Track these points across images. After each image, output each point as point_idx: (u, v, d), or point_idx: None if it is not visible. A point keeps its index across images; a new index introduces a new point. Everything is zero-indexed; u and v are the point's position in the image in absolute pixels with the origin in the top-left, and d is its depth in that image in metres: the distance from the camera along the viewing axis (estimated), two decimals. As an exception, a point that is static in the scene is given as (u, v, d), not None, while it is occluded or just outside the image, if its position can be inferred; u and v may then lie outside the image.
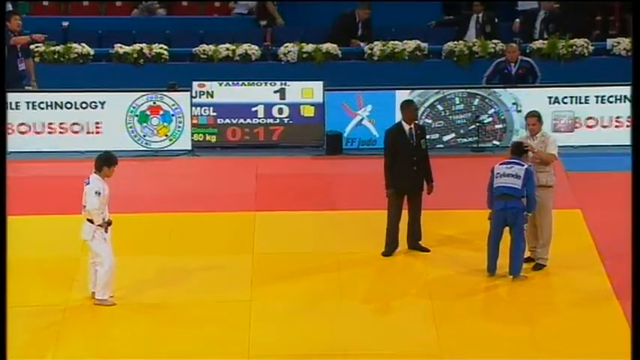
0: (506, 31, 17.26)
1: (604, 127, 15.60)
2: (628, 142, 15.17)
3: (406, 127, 11.88)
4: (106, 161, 10.97)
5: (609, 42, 16.85)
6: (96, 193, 10.76)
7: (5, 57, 14.67)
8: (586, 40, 16.81)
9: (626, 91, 15.48)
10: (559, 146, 15.18)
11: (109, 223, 10.81)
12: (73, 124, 15.50)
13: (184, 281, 11.48)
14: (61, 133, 15.52)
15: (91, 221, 10.80)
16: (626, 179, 13.88)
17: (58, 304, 10.96)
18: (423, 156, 11.86)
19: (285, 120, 15.59)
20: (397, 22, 17.39)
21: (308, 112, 15.60)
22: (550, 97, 15.60)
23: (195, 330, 10.48)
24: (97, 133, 15.53)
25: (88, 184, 10.88)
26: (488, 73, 15.78)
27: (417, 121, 12.19)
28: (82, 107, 15.54)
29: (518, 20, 17.39)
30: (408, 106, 11.99)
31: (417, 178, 11.77)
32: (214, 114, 15.64)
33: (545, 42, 16.80)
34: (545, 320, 10.61)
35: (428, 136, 15.47)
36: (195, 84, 15.61)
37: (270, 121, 15.62)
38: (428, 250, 11.86)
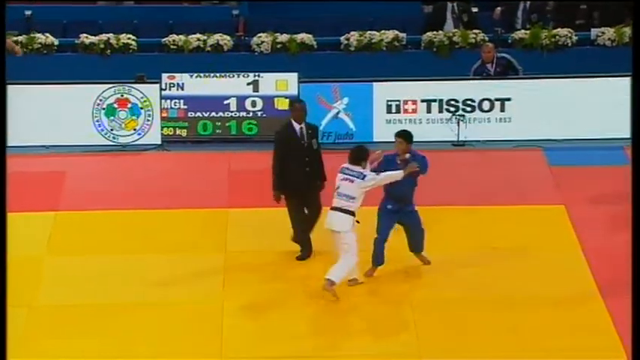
0: (488, 20, 17.33)
1: (588, 120, 15.69)
2: (612, 135, 15.43)
3: (297, 126, 11.99)
4: (365, 153, 11.39)
5: (593, 32, 16.94)
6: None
7: None
8: (569, 29, 16.90)
9: (610, 82, 15.61)
10: (542, 139, 15.47)
11: None
12: (37, 117, 15.43)
13: (155, 280, 11.51)
14: (24, 126, 15.46)
15: (346, 212, 11.09)
16: (612, 174, 14.11)
17: (23, 305, 10.93)
18: (314, 156, 11.96)
19: (259, 113, 15.61)
20: (375, 11, 17.43)
21: (282, 104, 15.61)
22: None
23: (166, 330, 10.52)
24: (63, 126, 15.48)
25: (356, 177, 11.17)
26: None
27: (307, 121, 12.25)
28: (45, 100, 15.49)
29: (499, 8, 17.43)
30: (295, 106, 12.16)
31: (309, 179, 11.95)
32: (185, 107, 15.64)
33: (528, 32, 16.87)
34: (528, 319, 10.71)
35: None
36: (164, 76, 15.61)
37: (243, 114, 15.64)
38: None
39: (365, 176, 11.20)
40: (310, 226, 11.99)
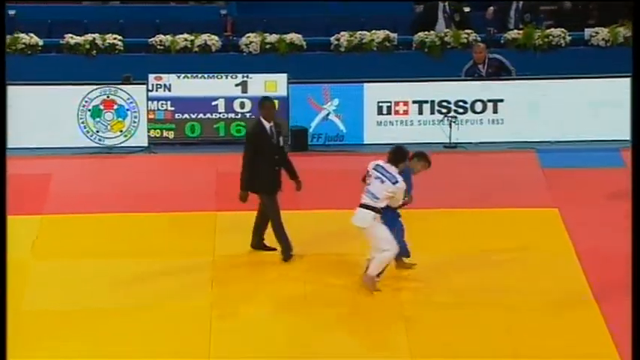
0: (480, 19, 17.40)
1: (582, 121, 15.77)
2: (607, 137, 15.53)
3: (267, 124, 12.08)
4: (406, 155, 11.44)
5: (587, 32, 17.02)
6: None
7: None
8: (563, 30, 16.98)
9: (604, 82, 15.71)
10: (535, 141, 15.56)
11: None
12: (21, 119, 15.45)
13: (142, 285, 11.55)
14: (8, 128, 15.45)
15: (368, 208, 11.18)
16: (606, 176, 14.20)
17: (11, 309, 10.95)
18: (283, 155, 12.13)
19: (248, 115, 15.66)
20: (365, 11, 17.50)
21: (271, 106, 15.66)
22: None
23: (153, 332, 10.56)
24: (48, 128, 15.52)
25: (388, 179, 11.20)
26: None
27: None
28: (30, 101, 15.51)
29: (491, 8, 17.50)
30: (266, 104, 12.21)
31: (279, 178, 12.07)
32: (172, 108, 15.68)
33: (521, 32, 16.95)
34: (521, 321, 10.77)
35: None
36: (151, 77, 15.65)
37: (232, 115, 15.69)
38: (275, 249, 12.09)
39: (397, 182, 11.22)
40: (262, 225, 12.05)
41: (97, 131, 15.67)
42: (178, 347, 10.33)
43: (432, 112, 15.75)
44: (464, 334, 10.56)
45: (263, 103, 12.28)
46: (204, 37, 16.81)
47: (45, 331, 10.68)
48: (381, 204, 11.24)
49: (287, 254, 12.03)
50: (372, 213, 11.23)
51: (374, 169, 11.32)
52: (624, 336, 9.86)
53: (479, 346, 10.33)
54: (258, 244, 12.23)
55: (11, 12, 17.21)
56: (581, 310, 10.96)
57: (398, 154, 11.37)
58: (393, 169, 11.28)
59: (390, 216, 11.47)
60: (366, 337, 10.54)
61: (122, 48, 16.76)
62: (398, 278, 11.63)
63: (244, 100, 15.67)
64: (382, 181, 11.23)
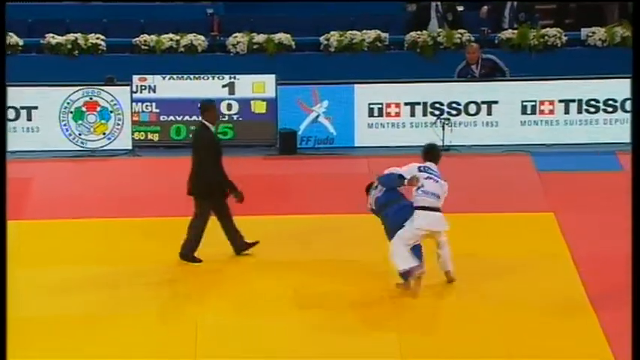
0: (474, 19, 17.40)
1: (578, 124, 15.78)
2: (603, 140, 15.54)
3: (212, 128, 12.12)
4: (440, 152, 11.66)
5: (583, 32, 17.03)
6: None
7: None
8: (559, 29, 16.98)
9: (600, 84, 15.71)
10: (530, 144, 15.57)
11: None
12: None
13: (124, 291, 11.52)
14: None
15: (439, 211, 11.30)
16: (603, 180, 14.21)
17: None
18: None
19: (235, 117, 15.63)
20: (356, 10, 17.49)
21: (259, 108, 15.65)
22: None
23: (140, 334, 10.55)
24: (28, 131, 15.47)
25: (440, 178, 11.33)
26: None
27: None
28: (10, 103, 15.46)
29: (485, 7, 17.50)
30: (210, 108, 12.18)
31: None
32: (157, 110, 15.65)
33: (515, 32, 16.95)
34: (517, 324, 10.76)
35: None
36: (135, 78, 15.61)
37: (218, 117, 15.66)
38: (257, 242, 12.16)
39: (445, 181, 11.33)
40: (234, 228, 12.08)
41: (80, 134, 15.63)
42: (165, 349, 10.30)
43: (425, 114, 15.74)
44: (458, 335, 10.56)
45: (207, 107, 12.21)
46: (190, 36, 16.77)
47: (31, 337, 10.62)
48: (441, 203, 11.30)
49: (189, 256, 12.00)
50: (441, 214, 11.29)
51: (421, 170, 11.29)
52: (620, 338, 9.90)
53: (473, 347, 10.32)
54: (240, 246, 12.18)
55: (-9, 10, 17.15)
56: (576, 312, 10.98)
57: (435, 152, 11.43)
58: (436, 168, 11.36)
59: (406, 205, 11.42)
60: (357, 338, 10.52)
61: (105, 48, 16.72)
62: (392, 279, 11.59)
63: (231, 101, 15.63)
64: (436, 181, 11.29)
